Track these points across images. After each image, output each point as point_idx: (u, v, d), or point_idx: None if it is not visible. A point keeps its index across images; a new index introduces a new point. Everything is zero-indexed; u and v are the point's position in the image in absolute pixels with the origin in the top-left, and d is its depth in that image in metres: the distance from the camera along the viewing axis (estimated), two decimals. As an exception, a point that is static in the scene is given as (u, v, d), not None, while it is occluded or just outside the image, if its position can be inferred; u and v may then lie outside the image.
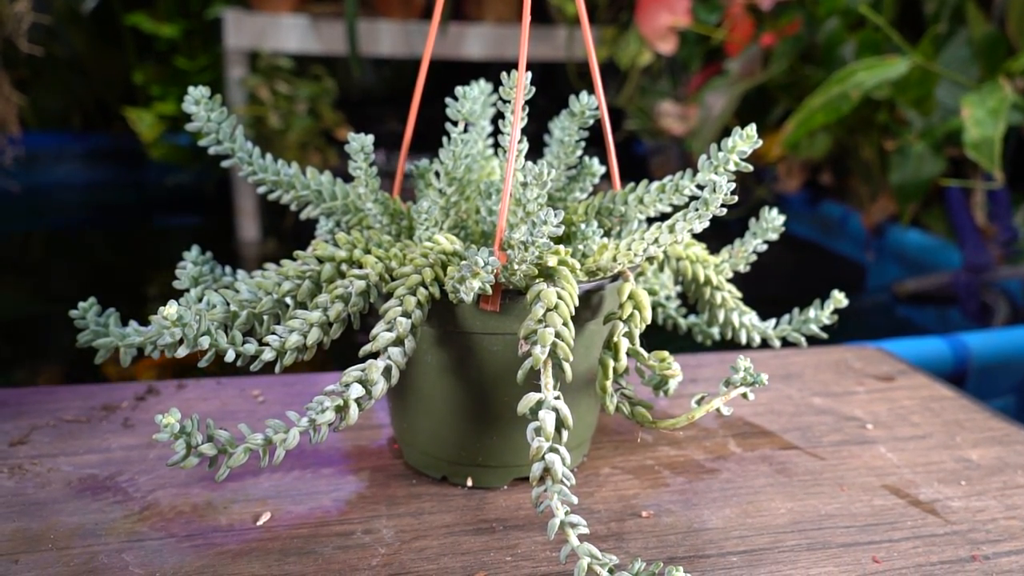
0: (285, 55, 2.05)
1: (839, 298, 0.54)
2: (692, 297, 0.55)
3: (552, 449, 0.38)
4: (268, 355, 0.42)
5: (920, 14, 1.81)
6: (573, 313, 0.41)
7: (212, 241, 2.11)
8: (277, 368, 0.42)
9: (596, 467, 0.52)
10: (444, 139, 0.48)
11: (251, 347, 0.42)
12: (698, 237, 0.51)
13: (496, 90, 0.51)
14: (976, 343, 1.15)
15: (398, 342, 0.42)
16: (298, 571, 0.40)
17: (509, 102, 0.45)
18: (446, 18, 2.05)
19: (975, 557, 0.43)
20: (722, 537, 0.44)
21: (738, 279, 0.56)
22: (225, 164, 0.49)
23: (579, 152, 0.51)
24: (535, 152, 0.51)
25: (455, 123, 0.49)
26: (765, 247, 0.54)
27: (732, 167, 0.44)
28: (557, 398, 0.39)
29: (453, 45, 2.11)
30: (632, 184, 0.50)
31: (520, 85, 0.44)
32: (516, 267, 0.42)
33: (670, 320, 0.59)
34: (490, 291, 0.41)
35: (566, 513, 0.37)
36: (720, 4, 1.91)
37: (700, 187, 0.46)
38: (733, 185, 0.42)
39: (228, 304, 0.44)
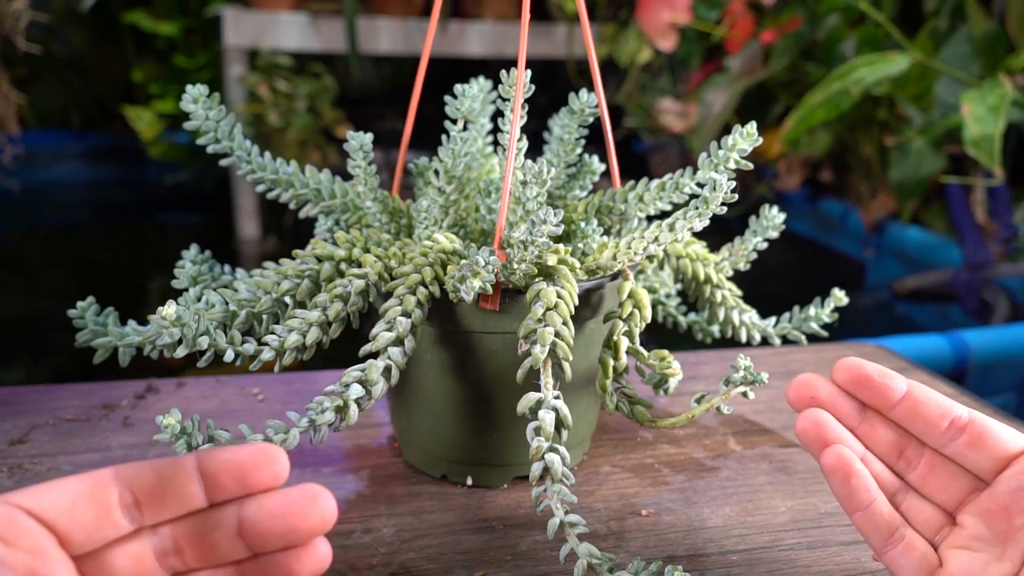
0: (284, 53, 2.04)
1: (839, 296, 0.54)
2: (692, 295, 0.55)
3: (552, 448, 0.38)
4: (267, 355, 0.42)
5: (920, 11, 1.81)
6: (573, 312, 0.41)
7: (212, 239, 2.12)
8: (276, 368, 0.42)
9: (596, 465, 0.51)
10: (443, 137, 0.48)
11: (250, 347, 0.42)
12: (698, 235, 0.51)
13: (496, 88, 0.51)
14: (976, 340, 1.15)
15: (398, 342, 0.42)
16: (298, 570, 0.40)
17: (508, 100, 0.45)
18: (445, 15, 2.05)
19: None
20: (722, 536, 0.44)
21: (738, 277, 0.55)
22: (224, 162, 0.49)
23: (579, 150, 0.51)
24: (535, 150, 0.51)
25: (454, 121, 0.48)
26: (765, 245, 0.54)
27: (732, 165, 0.44)
28: (557, 397, 0.39)
29: (452, 43, 2.11)
30: (632, 182, 0.50)
31: (519, 83, 0.44)
32: (516, 266, 0.42)
33: (670, 318, 0.59)
34: (490, 290, 0.41)
35: (566, 512, 0.37)
36: (720, 1, 1.90)
37: (700, 185, 0.46)
38: (733, 183, 0.42)
39: (227, 303, 0.44)
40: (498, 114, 0.50)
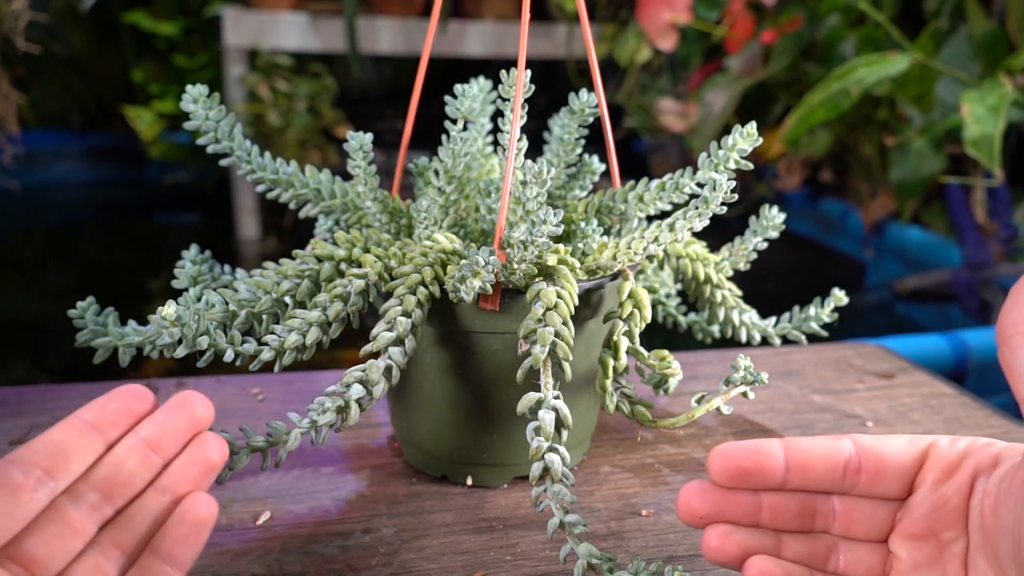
0: (284, 53, 2.04)
1: (839, 296, 0.54)
2: (692, 295, 0.55)
3: (552, 448, 0.38)
4: (267, 355, 0.42)
5: (920, 11, 1.81)
6: (573, 312, 0.41)
7: (212, 239, 2.11)
8: (276, 368, 0.42)
9: (596, 465, 0.51)
10: (443, 137, 0.48)
11: (250, 347, 0.42)
12: (698, 235, 0.51)
13: (496, 88, 0.51)
14: (976, 340, 1.15)
15: (398, 342, 0.42)
16: (298, 571, 0.40)
17: (508, 100, 0.45)
18: (445, 15, 2.05)
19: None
20: (722, 536, 0.44)
21: (738, 277, 0.55)
22: (224, 163, 0.49)
23: (579, 150, 0.51)
24: (535, 150, 0.51)
25: (454, 121, 0.48)
26: (765, 245, 0.54)
27: (732, 165, 0.44)
28: (557, 397, 0.39)
29: (453, 43, 2.11)
30: (632, 182, 0.50)
31: (519, 83, 0.44)
32: (516, 266, 0.42)
33: (670, 318, 0.59)
34: (490, 290, 0.41)
35: (565, 512, 0.37)
36: (720, 1, 1.90)
37: (700, 185, 0.46)
38: (733, 183, 0.42)
39: (227, 303, 0.44)
40: (498, 114, 0.50)
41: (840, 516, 0.33)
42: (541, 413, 0.39)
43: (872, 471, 0.32)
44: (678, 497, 0.33)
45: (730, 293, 0.54)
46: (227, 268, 0.51)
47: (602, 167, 0.54)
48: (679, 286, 0.57)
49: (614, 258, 0.45)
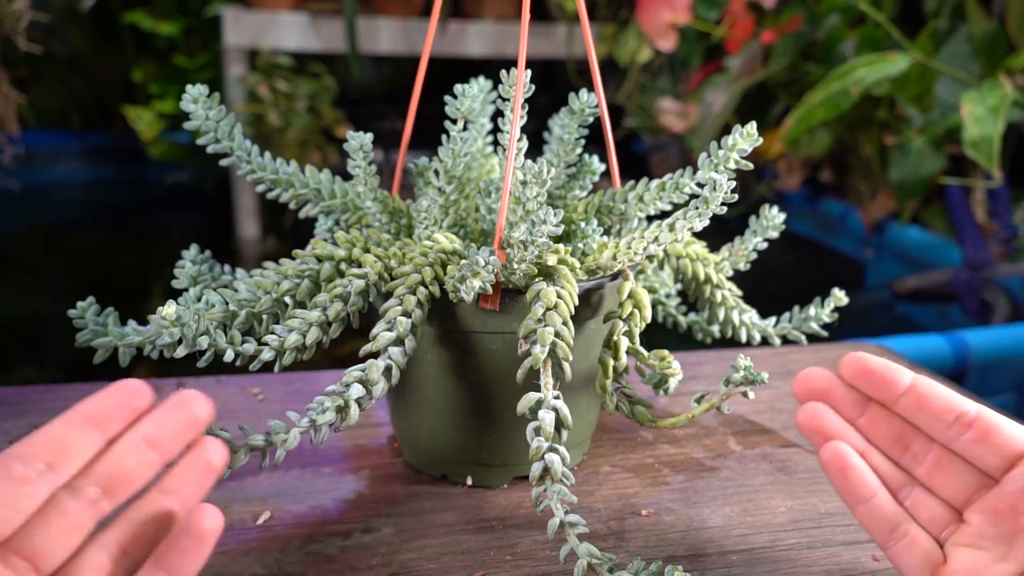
0: (284, 53, 2.04)
1: (839, 296, 0.54)
2: (692, 295, 0.55)
3: (552, 448, 0.38)
4: (267, 355, 0.42)
5: (920, 11, 1.81)
6: (573, 312, 0.41)
7: (212, 239, 2.11)
8: (276, 368, 0.42)
9: (596, 465, 0.51)
10: (443, 137, 0.48)
11: (250, 347, 0.42)
12: (698, 235, 0.51)
13: (496, 88, 0.51)
14: (976, 340, 1.15)
15: (398, 341, 0.42)
16: (298, 571, 0.40)
17: (508, 100, 0.45)
18: (445, 15, 2.05)
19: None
20: (722, 536, 0.44)
21: (738, 277, 0.55)
22: (224, 162, 0.49)
23: (579, 150, 0.51)
24: (535, 150, 0.51)
25: (454, 121, 0.48)
26: (765, 245, 0.54)
27: (732, 165, 0.44)
28: (557, 397, 0.39)
29: (453, 43, 2.11)
30: (632, 182, 0.50)
31: (519, 83, 0.44)
32: (516, 266, 0.42)
33: (670, 318, 0.59)
34: (490, 290, 0.41)
35: (566, 512, 0.37)
36: (720, 1, 1.90)
37: (700, 185, 0.46)
38: (733, 183, 0.42)
39: (227, 303, 0.44)
40: (498, 114, 0.50)
41: (929, 463, 0.34)
42: (541, 413, 0.39)
43: (981, 431, 0.33)
44: (798, 375, 0.35)
45: (730, 293, 0.54)
46: (227, 268, 0.51)
47: (602, 167, 0.54)
48: (679, 286, 0.57)
49: (614, 258, 0.45)
